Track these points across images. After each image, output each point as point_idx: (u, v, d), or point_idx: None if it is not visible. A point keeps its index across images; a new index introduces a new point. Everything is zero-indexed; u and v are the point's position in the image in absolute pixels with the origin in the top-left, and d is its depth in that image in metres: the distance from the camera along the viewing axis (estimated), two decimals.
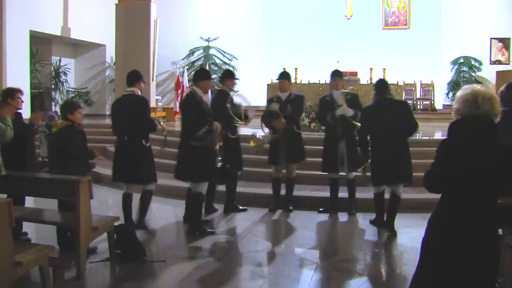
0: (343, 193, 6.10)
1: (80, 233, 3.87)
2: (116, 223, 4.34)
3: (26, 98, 6.51)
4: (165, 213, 5.88)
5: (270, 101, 6.20)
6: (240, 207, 6.11)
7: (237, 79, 6.09)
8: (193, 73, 11.99)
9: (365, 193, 6.06)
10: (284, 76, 6.14)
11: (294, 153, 5.99)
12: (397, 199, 5.19)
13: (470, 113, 2.34)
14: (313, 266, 4.21)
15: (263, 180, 6.76)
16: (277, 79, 6.23)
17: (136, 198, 5.40)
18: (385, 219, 5.31)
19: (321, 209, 6.04)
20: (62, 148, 4.47)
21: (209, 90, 5.54)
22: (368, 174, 5.42)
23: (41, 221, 4.36)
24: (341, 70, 6.33)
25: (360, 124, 5.47)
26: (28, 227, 4.81)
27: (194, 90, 5.22)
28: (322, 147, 6.10)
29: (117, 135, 5.25)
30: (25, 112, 5.30)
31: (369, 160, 5.36)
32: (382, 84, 5.33)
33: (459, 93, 2.43)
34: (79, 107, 4.64)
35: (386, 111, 5.10)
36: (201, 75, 5.33)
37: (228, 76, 6.06)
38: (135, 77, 5.23)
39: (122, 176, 5.20)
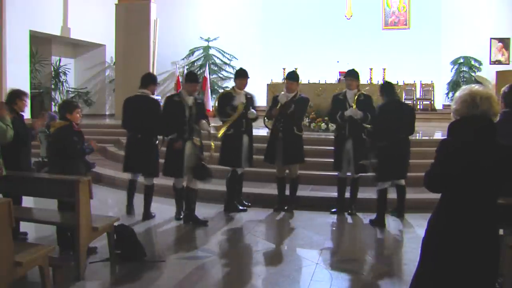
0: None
1: (80, 233, 3.87)
2: (116, 223, 4.35)
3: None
4: (165, 213, 5.88)
5: (275, 97, 6.12)
6: (240, 207, 6.09)
7: (247, 78, 5.99)
8: None
9: (365, 193, 6.06)
10: (291, 77, 5.97)
11: (291, 155, 5.93)
12: (403, 187, 5.70)
13: (469, 113, 2.34)
14: (313, 266, 4.21)
15: (263, 180, 6.75)
16: (283, 79, 6.21)
17: (137, 198, 5.75)
18: (381, 217, 5.46)
19: (333, 210, 5.98)
20: (60, 148, 4.47)
21: (195, 92, 5.66)
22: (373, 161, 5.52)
23: (41, 221, 4.35)
24: (342, 70, 6.30)
25: (373, 123, 5.55)
26: (28, 227, 4.80)
27: (181, 91, 5.72)
28: (322, 147, 6.11)
29: (128, 130, 5.77)
30: (25, 112, 5.31)
31: (373, 160, 5.49)
32: (389, 86, 5.66)
33: (457, 94, 2.44)
34: (77, 107, 4.66)
35: (397, 112, 5.43)
36: (185, 78, 5.75)
37: (237, 75, 6.05)
38: (149, 80, 5.73)
39: (133, 167, 5.77)
